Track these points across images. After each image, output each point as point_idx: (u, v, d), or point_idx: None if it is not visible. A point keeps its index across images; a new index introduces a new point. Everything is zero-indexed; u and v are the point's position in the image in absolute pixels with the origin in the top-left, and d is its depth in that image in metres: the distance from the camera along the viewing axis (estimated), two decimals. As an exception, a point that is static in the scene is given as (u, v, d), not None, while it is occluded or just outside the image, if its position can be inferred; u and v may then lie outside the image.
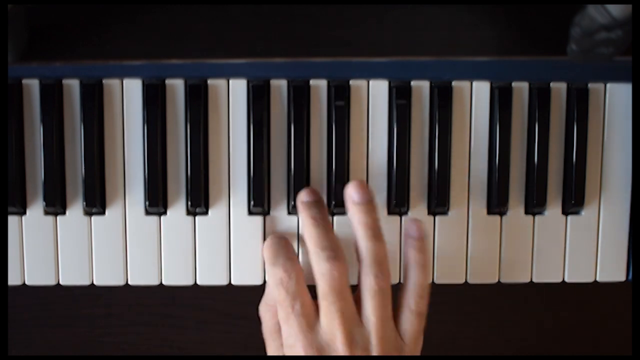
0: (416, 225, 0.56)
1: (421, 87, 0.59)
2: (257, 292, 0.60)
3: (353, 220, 0.55)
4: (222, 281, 0.59)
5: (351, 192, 0.55)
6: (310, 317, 0.53)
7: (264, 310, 0.57)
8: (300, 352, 0.52)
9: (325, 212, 0.56)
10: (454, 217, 0.59)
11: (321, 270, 0.52)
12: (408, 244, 0.56)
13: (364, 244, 0.53)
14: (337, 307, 0.51)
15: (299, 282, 0.53)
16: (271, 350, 0.56)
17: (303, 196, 0.56)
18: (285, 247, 0.56)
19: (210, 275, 0.59)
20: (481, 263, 0.57)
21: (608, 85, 0.59)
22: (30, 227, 0.58)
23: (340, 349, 0.51)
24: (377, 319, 0.52)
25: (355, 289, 0.54)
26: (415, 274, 0.55)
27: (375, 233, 0.54)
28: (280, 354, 0.55)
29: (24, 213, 0.58)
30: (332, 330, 0.52)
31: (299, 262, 0.55)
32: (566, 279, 0.60)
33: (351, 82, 0.58)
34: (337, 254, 0.52)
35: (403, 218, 0.59)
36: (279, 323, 0.54)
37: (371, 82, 0.58)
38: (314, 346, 0.52)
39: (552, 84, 0.59)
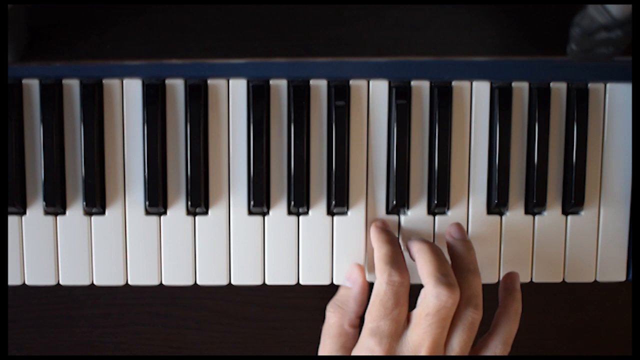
0: (516, 277, 0.58)
1: (421, 87, 0.59)
2: (257, 292, 0.60)
3: (452, 253, 0.57)
4: (222, 281, 0.59)
5: (451, 231, 0.58)
6: (400, 327, 0.53)
7: (333, 310, 0.57)
8: (380, 353, 0.52)
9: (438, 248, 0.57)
10: (454, 217, 0.59)
11: (437, 293, 0.52)
12: (507, 293, 0.57)
13: (466, 277, 0.55)
14: (434, 332, 0.52)
15: (406, 292, 0.54)
16: (325, 350, 0.56)
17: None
18: (401, 254, 0.56)
19: (210, 275, 0.59)
20: (481, 263, 0.57)
21: (608, 85, 0.59)
22: (30, 227, 0.58)
23: None
24: (460, 350, 0.53)
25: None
26: (510, 322, 0.56)
27: (476, 267, 0.56)
28: (337, 354, 0.55)
29: (24, 213, 0.58)
30: (417, 349, 0.52)
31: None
32: (566, 279, 0.61)
33: (351, 82, 0.58)
34: (456, 285, 0.53)
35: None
36: (345, 327, 0.56)
37: (371, 82, 0.58)
38: (394, 353, 0.53)
39: (552, 84, 0.59)
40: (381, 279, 0.54)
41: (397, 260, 0.55)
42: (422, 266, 0.54)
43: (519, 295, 0.57)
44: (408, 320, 0.54)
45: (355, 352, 0.54)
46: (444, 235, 0.59)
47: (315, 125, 0.58)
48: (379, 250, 0.56)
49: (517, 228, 0.60)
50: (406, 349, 0.53)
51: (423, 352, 0.52)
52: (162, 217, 0.59)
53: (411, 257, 0.57)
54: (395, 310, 0.53)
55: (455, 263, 0.56)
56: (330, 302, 0.58)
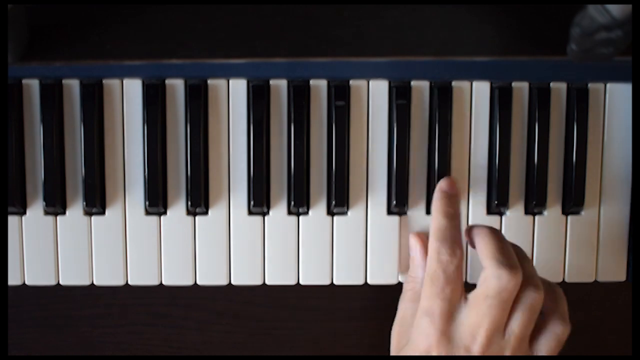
0: None
1: (421, 87, 0.59)
2: (257, 292, 0.60)
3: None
4: (222, 281, 0.59)
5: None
6: (454, 306, 0.52)
7: (406, 280, 0.57)
8: (432, 334, 0.51)
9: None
10: (454, 217, 0.59)
11: (499, 275, 0.50)
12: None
13: (520, 262, 0.53)
14: (494, 314, 0.50)
15: (458, 269, 0.52)
16: (399, 314, 0.56)
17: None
18: (456, 228, 0.54)
19: (210, 275, 0.59)
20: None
21: (608, 85, 0.59)
22: (30, 227, 0.58)
23: (475, 350, 0.51)
24: (520, 332, 0.51)
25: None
26: (559, 297, 0.54)
27: (525, 254, 0.55)
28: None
29: (24, 213, 0.58)
30: (475, 330, 0.51)
31: (463, 250, 0.54)
32: (566, 279, 0.61)
33: (351, 82, 0.58)
34: (518, 266, 0.51)
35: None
36: (418, 291, 0.54)
37: (371, 82, 0.58)
38: (446, 335, 0.51)
39: (552, 84, 0.59)
40: (431, 256, 0.53)
41: (449, 236, 0.53)
42: (482, 249, 0.52)
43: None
44: (465, 299, 0.52)
45: (413, 331, 0.53)
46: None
47: (315, 125, 0.58)
48: (433, 223, 0.54)
49: (517, 228, 0.60)
50: (462, 329, 0.51)
51: (481, 334, 0.50)
52: (162, 217, 0.58)
53: (471, 244, 0.55)
54: (447, 289, 0.51)
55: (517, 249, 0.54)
56: (407, 277, 0.58)
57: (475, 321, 0.51)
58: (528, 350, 0.53)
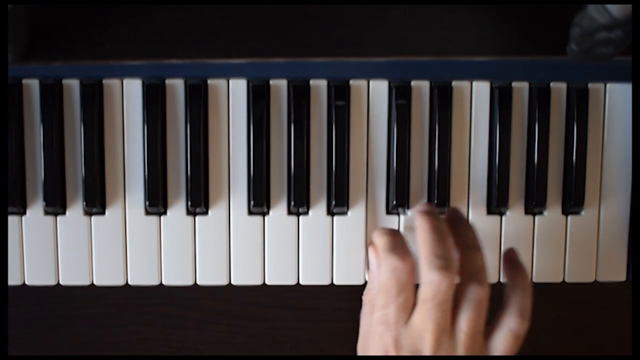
0: (515, 252, 0.57)
1: (421, 87, 0.59)
2: (257, 292, 0.60)
3: (453, 233, 0.55)
4: (222, 281, 0.59)
5: (449, 214, 0.57)
6: (407, 313, 0.52)
7: (364, 293, 0.57)
8: (388, 341, 0.52)
9: (443, 222, 0.55)
10: (454, 217, 0.59)
11: (430, 278, 0.51)
12: (512, 266, 0.56)
13: (466, 254, 0.54)
14: (434, 317, 0.51)
15: (410, 276, 0.53)
16: (362, 329, 0.56)
17: (421, 207, 0.56)
18: (402, 239, 0.55)
19: (210, 275, 0.59)
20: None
21: (608, 85, 0.59)
22: (30, 227, 0.58)
23: (426, 351, 0.51)
24: (469, 329, 0.52)
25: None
26: (521, 293, 0.54)
27: (477, 244, 0.55)
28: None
29: (24, 213, 0.58)
30: (422, 334, 0.51)
31: (413, 257, 0.54)
32: (566, 279, 0.61)
33: (351, 82, 0.58)
34: (450, 265, 0.51)
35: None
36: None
37: (371, 82, 0.58)
38: (401, 341, 0.52)
39: (552, 84, 0.59)
40: (383, 267, 0.53)
41: (397, 247, 0.54)
42: (419, 248, 0.53)
43: (523, 267, 0.56)
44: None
45: (370, 339, 0.54)
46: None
47: (315, 125, 0.58)
48: (379, 240, 0.55)
49: (517, 228, 0.60)
50: (412, 335, 0.52)
51: (427, 338, 0.51)
52: (162, 217, 0.58)
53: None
54: (399, 298, 0.52)
55: (456, 242, 0.55)
56: (365, 292, 0.58)
57: (420, 326, 0.51)
58: (483, 345, 0.53)
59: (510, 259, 0.57)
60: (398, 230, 0.57)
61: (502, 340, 0.53)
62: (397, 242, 0.55)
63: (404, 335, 0.52)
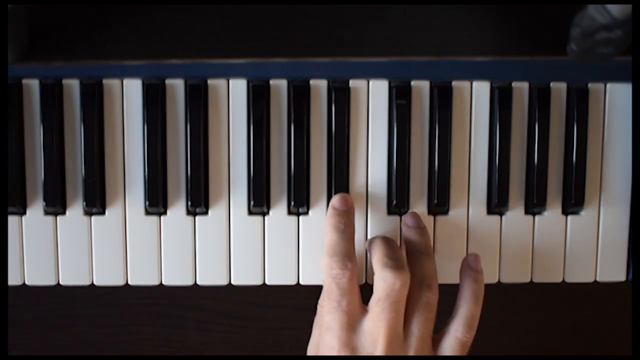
0: (475, 258, 0.57)
1: (421, 87, 0.59)
2: (257, 292, 0.60)
3: (406, 239, 0.57)
4: (222, 281, 0.59)
5: (406, 220, 0.58)
6: (354, 317, 0.53)
7: (319, 303, 0.57)
8: (334, 347, 0.52)
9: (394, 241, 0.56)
10: (454, 217, 0.59)
11: (384, 277, 0.51)
12: (466, 274, 0.56)
13: (418, 260, 0.54)
14: (388, 317, 0.51)
15: (352, 280, 0.53)
16: (313, 340, 0.57)
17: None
18: (348, 241, 0.55)
19: (210, 275, 0.59)
20: (481, 263, 0.57)
21: (608, 85, 0.59)
22: (30, 227, 0.58)
23: (379, 354, 0.51)
24: (420, 333, 0.52)
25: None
26: (469, 303, 0.55)
27: (429, 251, 0.56)
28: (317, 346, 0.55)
29: (24, 213, 0.58)
30: (374, 336, 0.51)
31: (356, 260, 0.54)
32: (566, 279, 0.61)
33: (351, 82, 0.58)
34: (403, 265, 0.52)
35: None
36: None
37: (371, 82, 0.58)
38: (349, 346, 0.52)
39: (552, 84, 0.59)
40: (325, 272, 0.54)
41: (340, 250, 0.54)
42: (372, 255, 0.54)
43: (479, 276, 0.56)
44: (365, 310, 0.53)
45: (320, 349, 0.54)
46: (443, 235, 0.59)
47: (315, 125, 0.58)
48: (325, 239, 0.55)
49: (517, 228, 0.60)
50: (364, 338, 0.52)
51: (380, 340, 0.51)
52: (162, 217, 0.59)
53: (370, 255, 0.56)
54: (343, 302, 0.52)
55: (408, 248, 0.56)
56: (321, 297, 0.58)
57: (373, 328, 0.52)
58: (431, 350, 0.53)
59: (466, 265, 0.57)
60: (348, 230, 0.56)
61: (449, 348, 0.54)
62: (340, 246, 0.54)
63: (354, 339, 0.52)
